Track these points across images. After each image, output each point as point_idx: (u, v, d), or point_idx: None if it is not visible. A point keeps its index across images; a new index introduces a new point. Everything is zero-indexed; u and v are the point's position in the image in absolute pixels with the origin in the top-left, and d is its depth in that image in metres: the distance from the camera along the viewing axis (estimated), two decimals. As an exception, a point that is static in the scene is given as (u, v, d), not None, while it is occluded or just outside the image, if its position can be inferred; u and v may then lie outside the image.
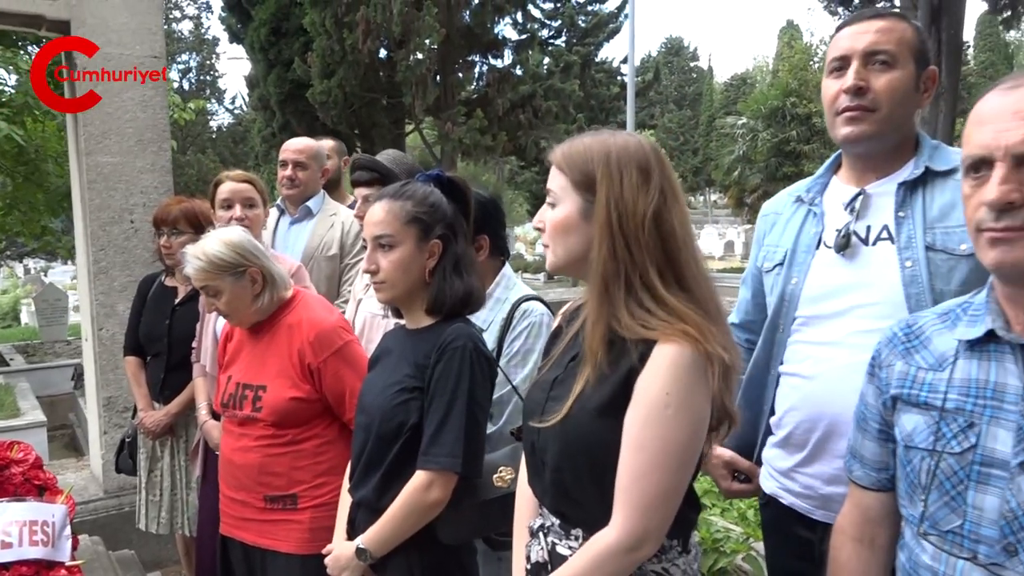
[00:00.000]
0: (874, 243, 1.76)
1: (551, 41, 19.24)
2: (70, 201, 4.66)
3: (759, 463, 2.02)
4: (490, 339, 2.20)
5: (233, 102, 41.21)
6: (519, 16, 18.13)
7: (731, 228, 36.40)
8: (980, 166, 1.18)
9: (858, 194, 1.80)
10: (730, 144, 28.49)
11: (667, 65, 55.38)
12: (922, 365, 1.32)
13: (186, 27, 38.71)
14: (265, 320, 2.42)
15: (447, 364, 1.87)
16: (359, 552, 1.91)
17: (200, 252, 2.37)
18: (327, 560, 1.99)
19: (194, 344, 3.29)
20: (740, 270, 2.20)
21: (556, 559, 1.47)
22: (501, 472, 1.98)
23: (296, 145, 3.77)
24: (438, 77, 16.66)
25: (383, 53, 16.45)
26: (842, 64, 1.76)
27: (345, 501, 2.08)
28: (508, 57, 18.06)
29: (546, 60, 18.52)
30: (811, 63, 26.56)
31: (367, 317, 2.72)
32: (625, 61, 18.48)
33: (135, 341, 3.56)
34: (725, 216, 47.43)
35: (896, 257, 1.71)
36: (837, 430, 1.69)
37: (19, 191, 9.56)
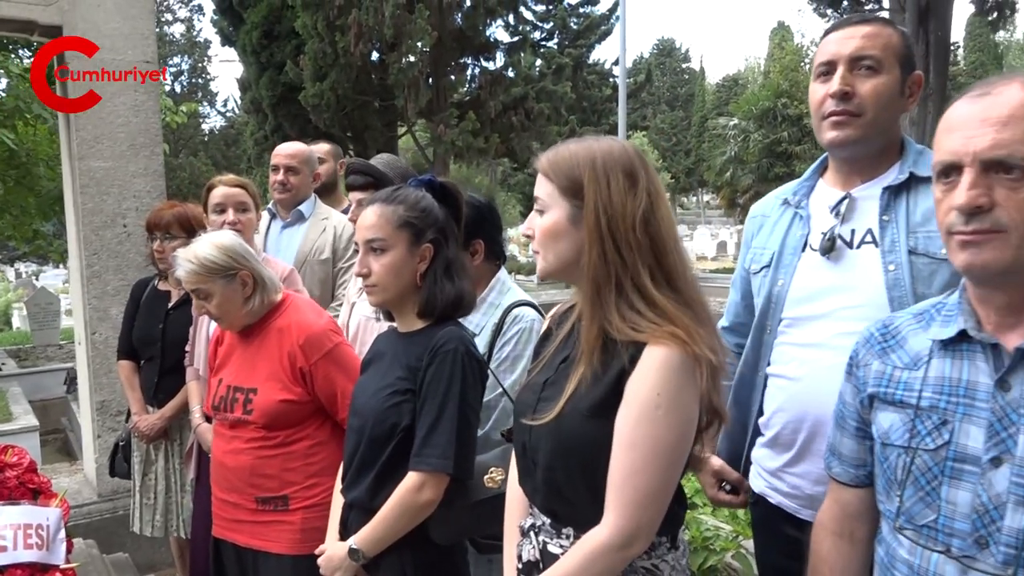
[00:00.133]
0: (858, 246, 1.78)
1: (543, 43, 19.29)
2: (62, 205, 4.66)
3: (749, 463, 2.04)
4: (482, 343, 2.22)
5: (225, 105, 41.16)
6: (511, 18, 18.17)
7: (724, 229, 36.48)
8: (950, 171, 1.21)
9: (844, 198, 1.82)
10: (722, 145, 28.54)
11: (659, 66, 55.57)
12: (898, 364, 1.36)
13: (178, 30, 38.69)
14: (255, 323, 2.44)
15: (439, 367, 1.89)
16: (352, 552, 1.92)
17: (191, 255, 2.38)
18: (320, 560, 2.01)
19: (187, 348, 3.30)
20: (733, 270, 2.22)
21: (547, 558, 1.49)
22: (492, 473, 2.00)
23: (288, 150, 3.78)
24: (430, 80, 16.67)
25: (375, 56, 16.49)
26: (828, 69, 1.78)
27: (337, 502, 2.10)
28: (500, 59, 18.13)
29: (538, 62, 18.56)
30: (802, 64, 26.67)
31: (361, 320, 2.74)
32: (617, 63, 18.54)
33: (129, 345, 3.56)
34: (718, 217, 47.56)
35: (880, 260, 1.74)
36: (822, 430, 1.71)
37: (10, 195, 9.53)
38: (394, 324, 2.09)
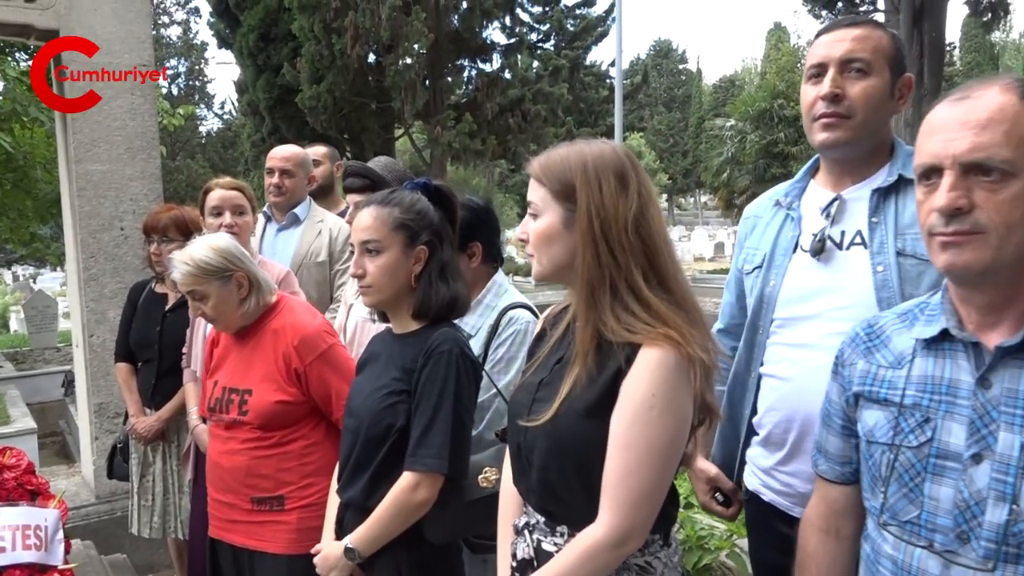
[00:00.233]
0: (848, 247, 1.80)
1: (540, 45, 19.33)
2: (59, 208, 4.67)
3: (744, 463, 2.06)
4: (477, 345, 2.23)
5: (222, 107, 41.20)
6: (508, 20, 18.19)
7: (721, 229, 36.50)
8: (931, 174, 1.23)
9: (834, 199, 1.84)
10: (719, 146, 28.51)
11: (656, 68, 55.55)
12: (882, 363, 1.38)
13: (174, 32, 38.69)
14: (251, 325, 2.45)
15: (433, 368, 1.91)
16: (347, 551, 1.94)
17: (187, 257, 2.40)
18: (316, 560, 2.02)
19: (184, 350, 3.31)
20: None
21: (542, 556, 1.51)
22: (486, 473, 2.02)
23: (283, 153, 3.78)
24: (427, 82, 16.69)
25: (372, 58, 16.49)
26: (819, 71, 1.80)
27: (333, 502, 2.11)
28: (497, 61, 18.12)
29: (535, 64, 18.58)
30: (798, 65, 26.60)
31: (358, 321, 2.75)
32: (613, 64, 18.56)
33: (126, 347, 3.58)
34: (715, 218, 47.61)
35: (868, 262, 1.76)
36: (812, 430, 1.71)
37: (7, 198, 9.55)
38: (389, 325, 2.11)
